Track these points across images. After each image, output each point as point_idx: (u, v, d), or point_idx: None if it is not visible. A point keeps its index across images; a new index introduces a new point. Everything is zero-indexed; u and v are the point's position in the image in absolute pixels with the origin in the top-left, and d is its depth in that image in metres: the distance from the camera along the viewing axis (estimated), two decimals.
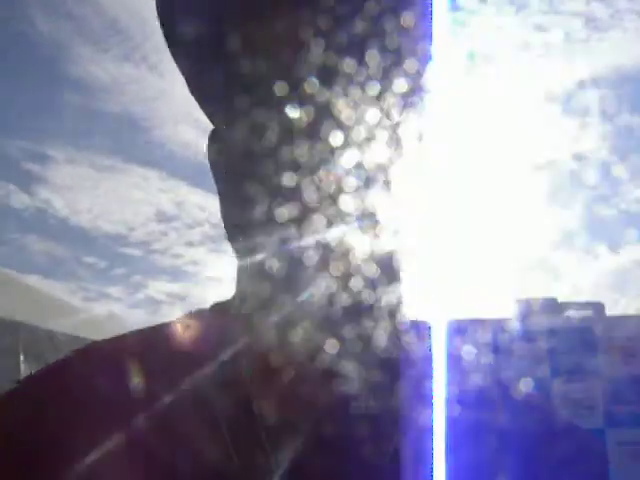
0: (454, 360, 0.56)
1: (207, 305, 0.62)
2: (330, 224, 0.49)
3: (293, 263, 0.50)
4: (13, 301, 4.27)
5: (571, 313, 4.65)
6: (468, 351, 0.57)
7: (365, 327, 0.51)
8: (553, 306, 4.64)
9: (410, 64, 0.53)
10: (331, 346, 0.50)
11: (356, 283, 0.50)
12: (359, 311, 0.51)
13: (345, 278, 0.50)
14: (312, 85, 0.49)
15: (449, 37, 0.54)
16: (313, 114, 0.49)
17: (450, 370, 0.53)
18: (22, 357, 3.49)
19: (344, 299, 0.50)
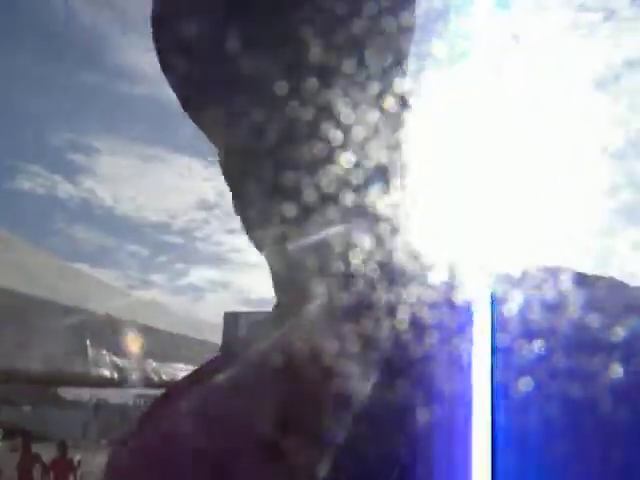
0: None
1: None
2: (334, 223, 0.49)
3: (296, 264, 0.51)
4: (73, 288, 4.37)
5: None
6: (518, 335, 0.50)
7: (374, 326, 0.51)
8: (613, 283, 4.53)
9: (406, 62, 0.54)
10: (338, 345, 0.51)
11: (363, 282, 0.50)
12: (368, 310, 0.51)
13: (352, 277, 0.50)
14: (311, 84, 0.49)
15: (494, 19, 0.54)
16: (312, 113, 0.49)
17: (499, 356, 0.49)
18: (88, 341, 3.58)
19: (350, 298, 0.50)
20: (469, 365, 0.49)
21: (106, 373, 3.78)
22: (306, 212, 0.49)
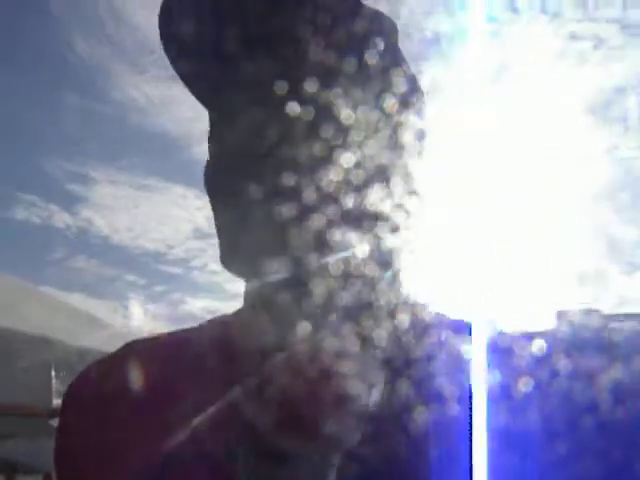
0: (495, 375, 0.54)
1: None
2: (335, 225, 0.49)
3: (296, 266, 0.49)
4: (49, 319, 4.32)
5: (616, 325, 4.52)
6: (509, 365, 0.55)
7: (371, 327, 0.51)
8: (597, 318, 4.52)
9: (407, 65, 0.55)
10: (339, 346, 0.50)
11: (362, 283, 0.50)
12: (368, 311, 0.51)
13: (351, 278, 0.50)
14: (311, 84, 0.49)
15: (484, 48, 0.55)
16: (312, 113, 0.49)
17: (492, 386, 0.52)
18: (54, 373, 3.52)
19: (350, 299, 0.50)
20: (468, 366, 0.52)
21: None
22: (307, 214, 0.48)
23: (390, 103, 0.52)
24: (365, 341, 0.50)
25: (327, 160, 0.49)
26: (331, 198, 0.49)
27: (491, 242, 0.55)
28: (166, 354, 0.61)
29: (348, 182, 0.49)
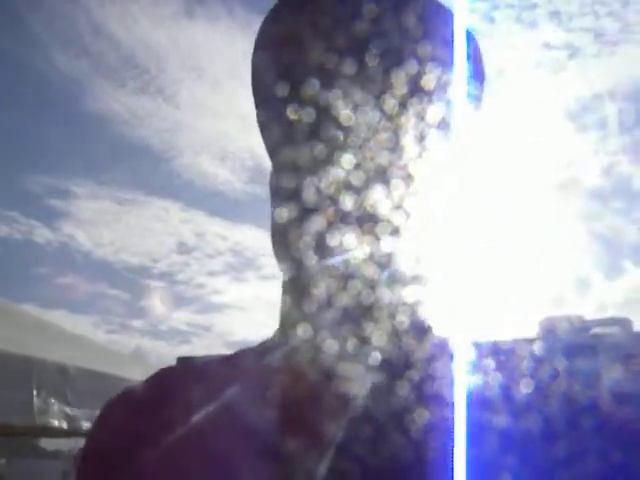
0: (477, 379, 0.55)
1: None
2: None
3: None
4: (29, 337, 4.26)
5: (598, 330, 4.55)
6: (491, 372, 0.56)
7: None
8: (579, 324, 4.54)
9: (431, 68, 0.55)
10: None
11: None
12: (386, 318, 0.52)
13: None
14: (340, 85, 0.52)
15: (463, 58, 0.55)
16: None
17: (473, 391, 0.53)
18: (35, 392, 3.47)
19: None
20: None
21: (54, 422, 3.64)
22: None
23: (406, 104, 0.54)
24: (364, 341, 0.52)
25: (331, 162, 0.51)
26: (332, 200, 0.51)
27: (473, 250, 0.55)
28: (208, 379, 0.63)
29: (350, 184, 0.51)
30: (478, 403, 0.52)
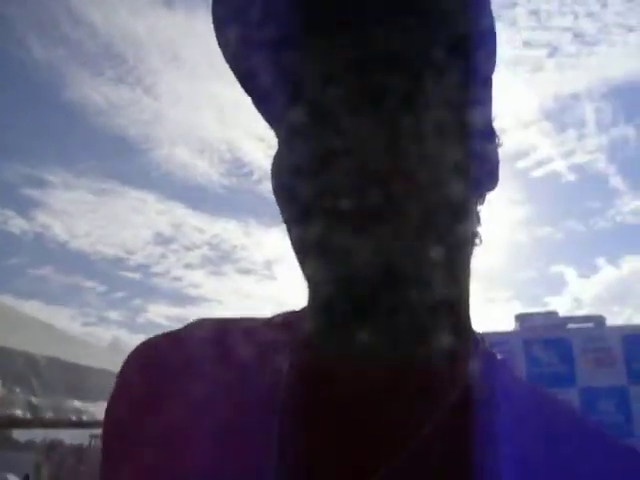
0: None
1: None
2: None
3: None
4: (2, 327, 4.20)
5: (572, 326, 4.59)
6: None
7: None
8: (554, 320, 4.58)
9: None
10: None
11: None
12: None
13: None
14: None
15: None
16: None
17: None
18: (0, 382, 3.43)
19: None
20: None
21: (18, 412, 3.59)
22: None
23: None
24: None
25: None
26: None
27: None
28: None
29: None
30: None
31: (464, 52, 0.53)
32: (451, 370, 0.53)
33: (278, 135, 0.57)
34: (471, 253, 0.55)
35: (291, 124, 0.52)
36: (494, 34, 0.57)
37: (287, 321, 0.61)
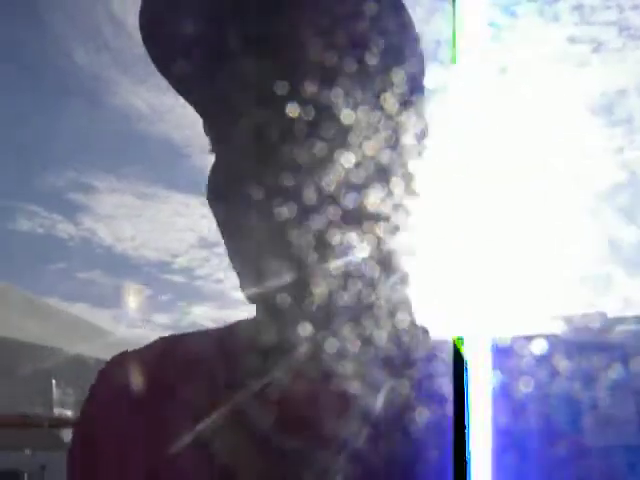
0: (497, 380, 0.53)
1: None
2: (334, 225, 0.48)
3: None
4: (50, 328, 4.31)
5: (622, 328, 4.48)
6: (512, 370, 0.55)
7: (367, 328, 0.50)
8: (603, 321, 4.49)
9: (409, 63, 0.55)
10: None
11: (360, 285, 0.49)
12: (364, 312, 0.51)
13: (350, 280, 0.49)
14: (312, 85, 0.49)
15: (483, 53, 0.53)
16: (313, 114, 0.49)
17: (494, 391, 0.51)
18: (54, 381, 3.51)
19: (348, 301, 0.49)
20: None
21: (68, 413, 3.67)
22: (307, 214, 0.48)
23: (390, 103, 0.52)
24: (365, 342, 0.50)
25: (327, 160, 0.49)
26: (332, 199, 0.48)
27: (494, 245, 0.54)
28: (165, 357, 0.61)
29: (348, 182, 0.49)
30: (494, 400, 0.50)
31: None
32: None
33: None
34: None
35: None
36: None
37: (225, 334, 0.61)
